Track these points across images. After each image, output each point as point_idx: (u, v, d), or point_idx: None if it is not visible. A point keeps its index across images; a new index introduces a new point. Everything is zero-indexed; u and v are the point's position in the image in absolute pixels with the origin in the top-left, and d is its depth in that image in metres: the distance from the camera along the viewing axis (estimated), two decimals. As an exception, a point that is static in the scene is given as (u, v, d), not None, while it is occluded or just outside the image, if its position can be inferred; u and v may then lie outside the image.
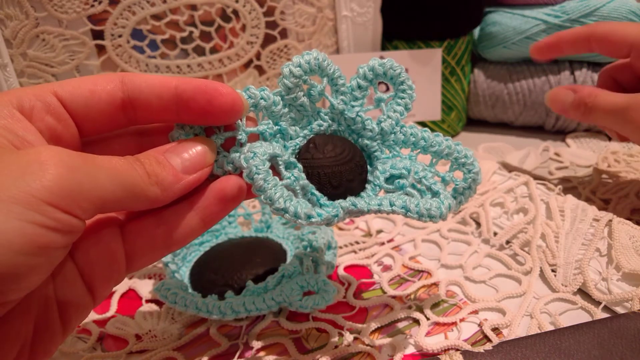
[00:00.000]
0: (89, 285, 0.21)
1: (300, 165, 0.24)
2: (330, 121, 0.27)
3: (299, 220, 0.22)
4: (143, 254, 0.22)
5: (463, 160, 0.27)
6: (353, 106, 0.26)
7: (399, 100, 0.27)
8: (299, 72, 0.24)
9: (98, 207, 0.18)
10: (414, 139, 0.27)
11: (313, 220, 0.22)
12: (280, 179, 0.23)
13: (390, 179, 0.26)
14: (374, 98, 0.27)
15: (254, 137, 0.24)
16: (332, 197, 0.24)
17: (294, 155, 0.25)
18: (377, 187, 0.26)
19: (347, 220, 0.43)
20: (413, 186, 0.25)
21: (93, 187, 0.18)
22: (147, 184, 0.20)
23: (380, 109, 0.27)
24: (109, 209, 0.19)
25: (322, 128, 0.26)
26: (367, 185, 0.26)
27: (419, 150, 0.27)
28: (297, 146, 0.26)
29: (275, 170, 0.23)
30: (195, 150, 0.22)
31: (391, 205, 0.23)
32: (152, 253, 0.23)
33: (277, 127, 0.25)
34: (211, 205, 0.23)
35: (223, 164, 0.24)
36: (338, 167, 0.25)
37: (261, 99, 0.24)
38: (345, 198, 0.24)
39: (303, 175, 0.24)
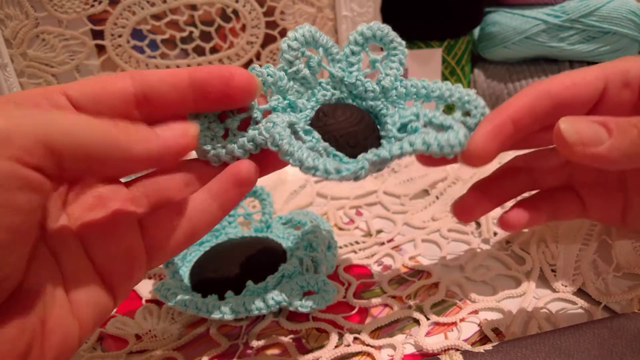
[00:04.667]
0: (107, 284, 0.21)
1: (316, 132, 0.25)
2: (332, 90, 0.27)
3: (330, 176, 0.22)
4: (164, 246, 0.22)
5: (467, 98, 0.27)
6: (351, 72, 0.27)
7: (393, 58, 0.27)
8: (296, 44, 0.25)
9: (51, 150, 0.17)
10: (414, 89, 0.27)
11: (343, 174, 0.23)
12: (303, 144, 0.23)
13: (402, 128, 0.26)
14: (369, 60, 0.28)
15: (266, 114, 0.25)
16: (353, 157, 0.25)
17: (307, 126, 0.26)
18: (392, 139, 0.26)
19: (347, 220, 0.43)
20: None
21: (39, 129, 0.16)
22: (116, 131, 0.19)
23: (377, 69, 0.28)
24: (70, 157, 0.17)
25: (326, 97, 0.27)
26: (382, 141, 0.27)
27: (422, 99, 0.28)
28: (308, 117, 0.26)
29: (296, 137, 0.24)
30: (174, 124, 0.22)
31: (411, 145, 0.23)
32: (173, 245, 0.23)
33: (286, 101, 0.26)
34: (227, 190, 0.23)
35: (244, 143, 0.24)
36: (351, 127, 0.25)
37: (268, 75, 0.25)
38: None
39: (321, 139, 0.25)
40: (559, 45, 0.52)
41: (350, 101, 0.28)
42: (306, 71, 0.26)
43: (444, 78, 0.55)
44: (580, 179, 0.29)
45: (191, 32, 0.48)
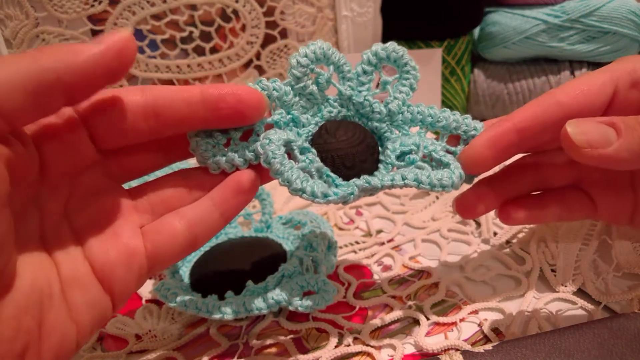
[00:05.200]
0: (107, 288, 0.21)
1: (314, 150, 0.25)
2: (339, 107, 0.28)
3: (317, 199, 0.23)
4: (165, 253, 0.22)
5: (473, 132, 0.27)
6: (360, 91, 0.27)
7: (404, 82, 0.27)
8: (305, 61, 0.25)
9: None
10: (421, 116, 0.27)
11: (330, 198, 0.23)
12: (296, 163, 0.24)
13: (401, 156, 0.26)
14: (380, 81, 0.28)
15: (268, 127, 0.25)
16: (347, 178, 0.25)
17: (307, 142, 0.26)
18: (390, 165, 0.26)
19: (347, 220, 0.43)
20: (424, 161, 0.26)
21: None
22: (37, 55, 0.17)
23: (386, 91, 0.28)
24: (6, 101, 0.17)
25: (332, 114, 0.27)
26: (379, 165, 0.27)
27: (427, 127, 0.28)
28: (310, 133, 0.27)
29: (291, 156, 0.24)
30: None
31: (403, 179, 0.24)
32: (174, 252, 0.23)
33: (289, 115, 0.26)
34: (229, 198, 0.24)
35: (244, 153, 0.24)
36: (350, 149, 0.25)
37: (274, 89, 0.25)
38: (359, 178, 0.25)
39: (317, 159, 0.25)
40: (559, 45, 0.52)
41: (356, 119, 0.28)
42: (313, 87, 0.26)
43: (444, 78, 0.55)
44: (590, 178, 0.28)
45: (191, 32, 0.48)
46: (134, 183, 0.25)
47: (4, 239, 0.17)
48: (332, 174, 0.25)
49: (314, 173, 0.24)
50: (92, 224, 0.22)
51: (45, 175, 0.20)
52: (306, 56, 0.25)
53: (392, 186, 0.24)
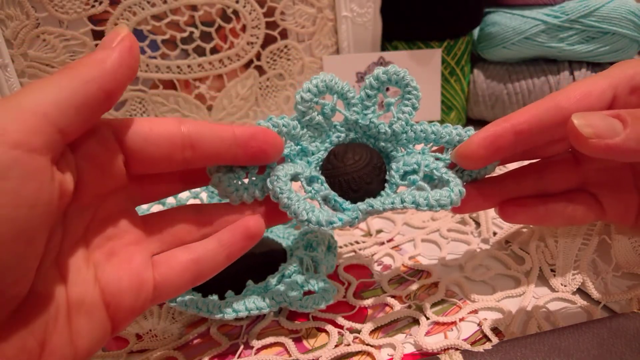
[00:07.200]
0: (111, 315, 0.21)
1: (322, 177, 0.27)
2: (346, 131, 0.29)
3: (322, 228, 0.24)
4: (171, 284, 0.23)
5: None
6: (365, 114, 0.28)
7: (406, 102, 0.28)
8: (309, 96, 0.27)
9: (51, 122, 0.18)
10: (424, 134, 0.28)
11: (335, 225, 0.25)
12: (304, 194, 0.25)
13: (404, 175, 0.27)
14: (384, 102, 0.29)
15: (280, 160, 0.27)
16: (354, 200, 0.27)
17: (317, 168, 0.28)
18: (394, 185, 0.28)
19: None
20: (427, 177, 0.27)
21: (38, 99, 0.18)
22: (78, 66, 0.19)
23: (390, 112, 0.29)
24: (67, 119, 0.18)
25: (340, 139, 0.29)
26: (386, 185, 0.28)
27: (432, 143, 0.29)
28: (320, 159, 0.28)
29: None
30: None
31: (402, 202, 0.25)
32: (180, 284, 0.23)
33: (298, 147, 0.27)
34: (237, 241, 0.25)
35: (263, 186, 0.26)
36: (356, 172, 0.27)
37: (283, 126, 0.26)
38: (365, 200, 0.26)
39: (325, 186, 0.27)
40: (559, 46, 0.52)
41: (364, 140, 0.29)
42: (319, 118, 0.27)
43: (444, 78, 0.55)
44: (595, 180, 0.28)
45: (191, 33, 0.48)
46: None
47: (31, 265, 0.18)
48: (339, 199, 0.26)
49: (320, 201, 0.26)
50: (108, 248, 0.22)
51: (78, 196, 0.21)
52: (309, 91, 0.26)
53: (392, 208, 0.25)
